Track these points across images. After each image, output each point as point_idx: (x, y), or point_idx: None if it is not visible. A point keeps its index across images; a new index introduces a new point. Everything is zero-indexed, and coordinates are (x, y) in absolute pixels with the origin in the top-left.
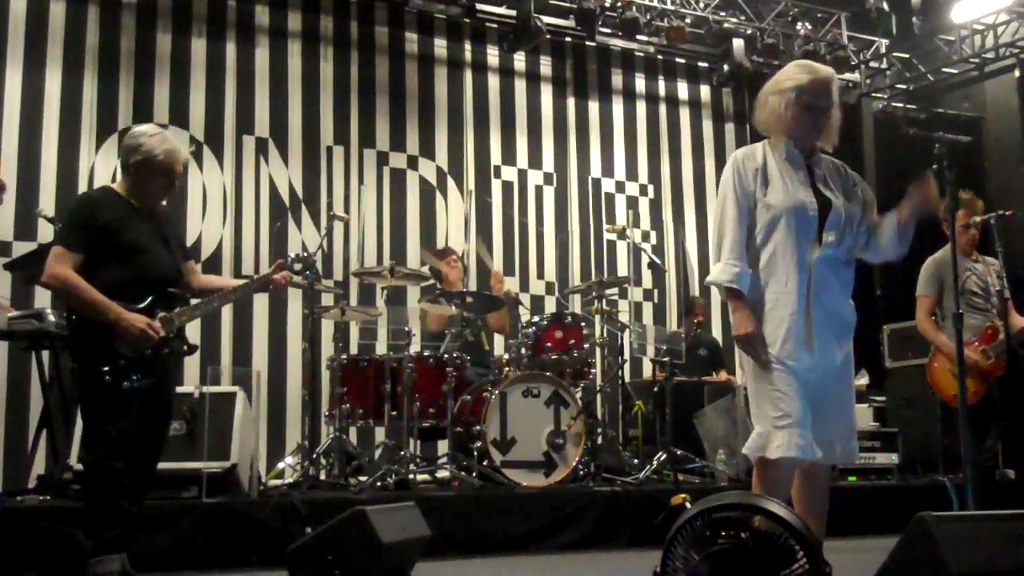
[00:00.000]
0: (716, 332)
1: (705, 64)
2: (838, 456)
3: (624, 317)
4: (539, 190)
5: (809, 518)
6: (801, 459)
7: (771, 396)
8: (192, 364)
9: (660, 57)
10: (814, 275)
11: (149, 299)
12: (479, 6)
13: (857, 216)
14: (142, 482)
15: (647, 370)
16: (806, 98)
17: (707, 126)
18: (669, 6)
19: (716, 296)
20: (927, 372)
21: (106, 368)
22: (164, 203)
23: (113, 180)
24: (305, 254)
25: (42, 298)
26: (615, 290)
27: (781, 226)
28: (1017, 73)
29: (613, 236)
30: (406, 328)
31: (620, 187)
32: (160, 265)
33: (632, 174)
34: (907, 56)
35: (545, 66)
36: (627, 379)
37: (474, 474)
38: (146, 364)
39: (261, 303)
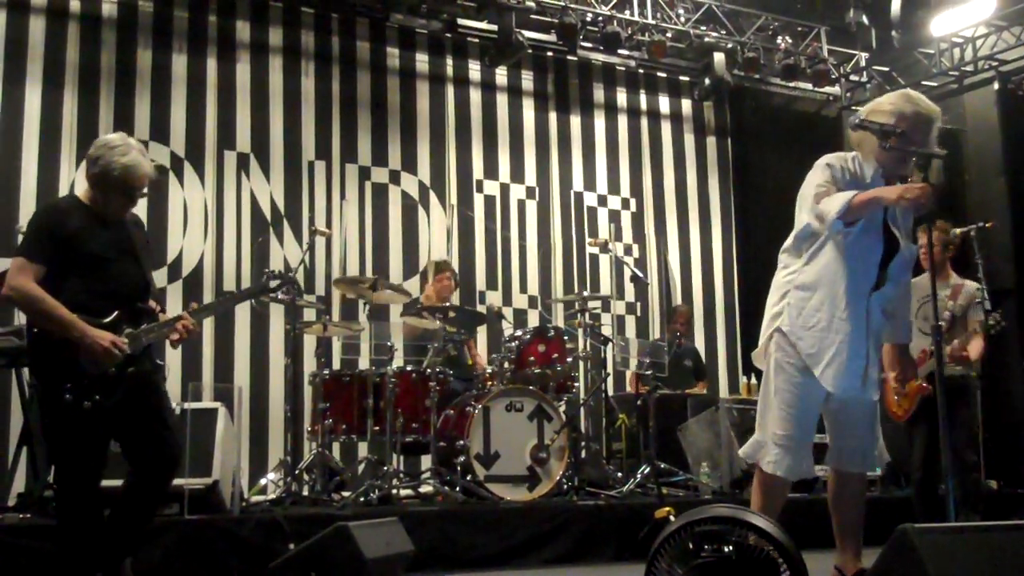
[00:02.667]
0: (700, 342)
1: (686, 78)
2: (867, 464)
3: (607, 330)
4: (521, 204)
5: (839, 520)
6: (786, 478)
7: (780, 412)
8: (173, 380)
9: (641, 71)
10: (871, 309)
11: (115, 314)
12: (460, 21)
13: (915, 258)
14: (154, 498)
15: (630, 383)
16: (903, 127)
17: (689, 139)
18: (650, 20)
19: (700, 305)
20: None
21: (68, 385)
22: (136, 213)
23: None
24: (281, 271)
25: (22, 315)
26: (598, 303)
27: (850, 249)
28: (996, 86)
29: (595, 250)
30: (389, 343)
31: (602, 201)
32: (126, 278)
33: (614, 188)
34: (887, 69)
35: (527, 81)
36: (610, 392)
37: (457, 489)
38: (109, 383)
39: (243, 319)
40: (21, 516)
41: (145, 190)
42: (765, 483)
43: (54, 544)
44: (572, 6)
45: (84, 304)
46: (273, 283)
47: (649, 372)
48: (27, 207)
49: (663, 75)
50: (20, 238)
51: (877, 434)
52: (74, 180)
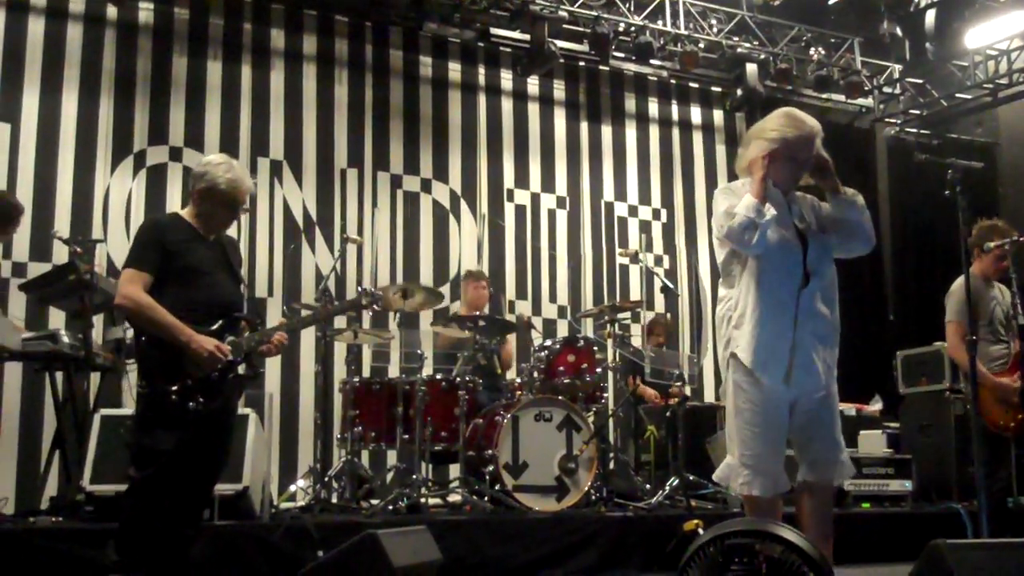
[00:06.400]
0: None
1: (718, 89)
2: (834, 474)
3: (637, 341)
4: (552, 214)
5: (810, 534)
6: (762, 496)
7: (744, 432)
8: None
9: (673, 82)
10: (801, 307)
11: (219, 322)
12: (493, 30)
13: (832, 244)
14: (199, 504)
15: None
16: (788, 151)
17: (720, 151)
18: (683, 31)
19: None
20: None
21: (174, 388)
22: (228, 231)
23: (126, 204)
24: (373, 290)
25: (56, 319)
26: (627, 314)
27: (768, 261)
28: None
29: (626, 260)
30: (419, 351)
31: (633, 211)
32: (223, 289)
33: (645, 198)
34: (920, 82)
35: (558, 90)
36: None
37: (486, 498)
38: (212, 387)
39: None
40: (53, 519)
41: (246, 206)
42: (751, 505)
43: (87, 547)
44: (605, 16)
45: (185, 312)
46: (365, 300)
47: (679, 384)
48: (62, 212)
49: (695, 86)
50: (55, 243)
51: (840, 442)
52: (109, 185)
